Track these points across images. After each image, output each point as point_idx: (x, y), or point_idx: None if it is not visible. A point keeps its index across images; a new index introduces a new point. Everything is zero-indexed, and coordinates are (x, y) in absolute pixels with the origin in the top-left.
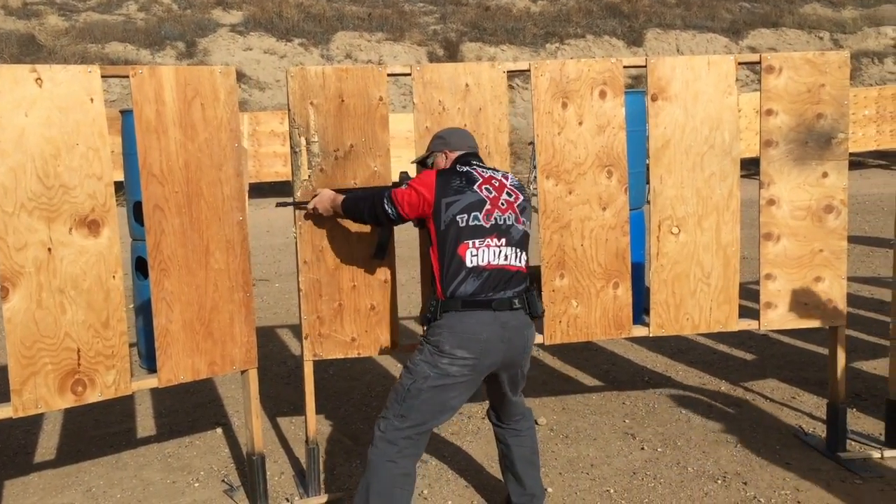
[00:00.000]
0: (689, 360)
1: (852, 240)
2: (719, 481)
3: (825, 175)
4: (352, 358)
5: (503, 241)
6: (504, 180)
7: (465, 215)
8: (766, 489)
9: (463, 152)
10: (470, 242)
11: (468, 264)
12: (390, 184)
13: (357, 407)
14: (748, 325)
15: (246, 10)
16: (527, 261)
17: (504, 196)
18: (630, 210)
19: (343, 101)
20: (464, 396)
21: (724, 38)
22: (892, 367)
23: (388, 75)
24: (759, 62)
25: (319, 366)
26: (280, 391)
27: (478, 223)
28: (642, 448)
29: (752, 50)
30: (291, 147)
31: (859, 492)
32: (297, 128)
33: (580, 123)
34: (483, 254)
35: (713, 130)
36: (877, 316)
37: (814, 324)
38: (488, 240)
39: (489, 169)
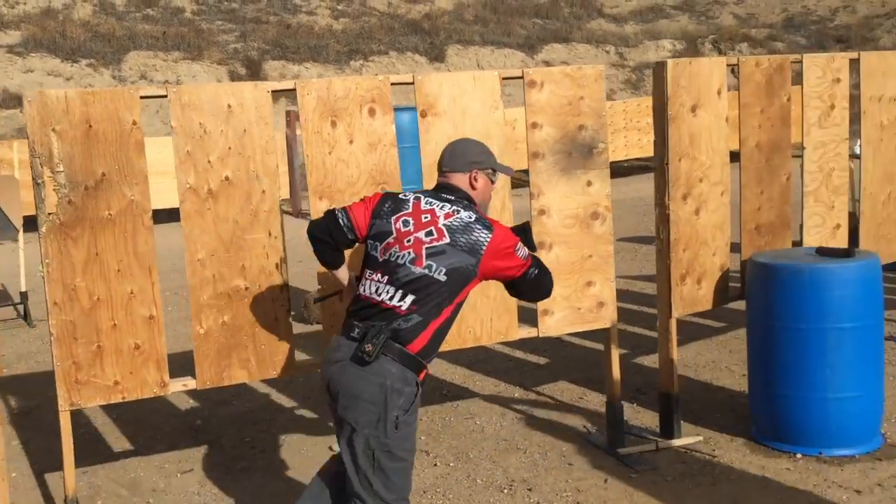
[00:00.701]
0: (487, 370)
1: (629, 240)
2: (506, 490)
3: (589, 183)
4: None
5: (386, 278)
6: (441, 218)
7: (372, 242)
8: (548, 493)
9: (443, 172)
10: (367, 271)
11: (358, 290)
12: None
13: (139, 451)
14: (528, 332)
15: (25, 29)
16: (414, 307)
17: (419, 234)
18: None
19: (91, 126)
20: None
21: (520, 52)
22: (661, 360)
23: (142, 97)
24: (522, 77)
25: (95, 412)
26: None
27: (375, 254)
28: (435, 464)
29: (547, 63)
30: (34, 178)
31: (634, 484)
32: (38, 157)
33: (351, 142)
34: (366, 285)
35: None
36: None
37: (589, 327)
38: (375, 274)
39: (441, 201)
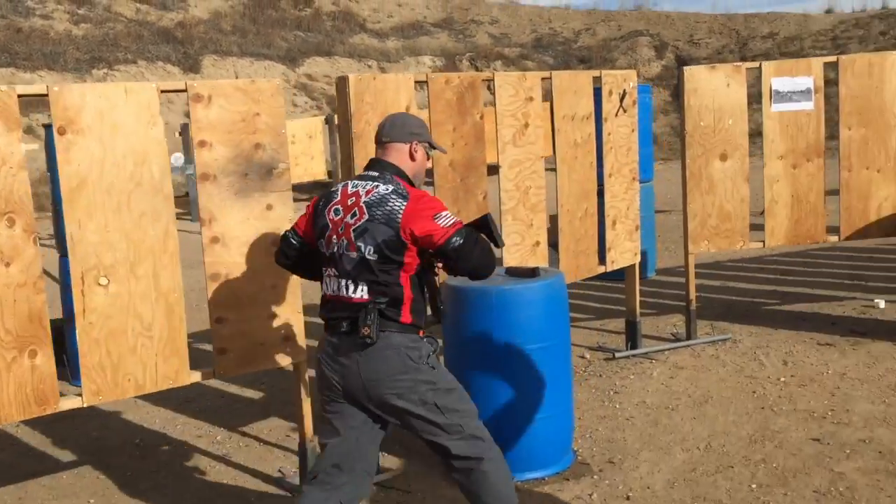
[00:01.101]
0: (195, 410)
1: None
2: None
3: (270, 207)
4: None
5: (335, 271)
6: (363, 196)
7: (319, 241)
8: None
9: (383, 143)
10: (323, 269)
11: (323, 290)
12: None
13: None
14: (201, 376)
15: None
16: (369, 294)
17: (347, 218)
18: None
19: None
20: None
21: (281, 65)
22: None
23: None
24: (186, 90)
25: None
26: None
27: (323, 251)
28: None
29: (309, 77)
30: None
31: None
32: None
33: None
34: (327, 283)
35: (139, 165)
36: None
37: (274, 365)
38: (329, 270)
39: (365, 181)
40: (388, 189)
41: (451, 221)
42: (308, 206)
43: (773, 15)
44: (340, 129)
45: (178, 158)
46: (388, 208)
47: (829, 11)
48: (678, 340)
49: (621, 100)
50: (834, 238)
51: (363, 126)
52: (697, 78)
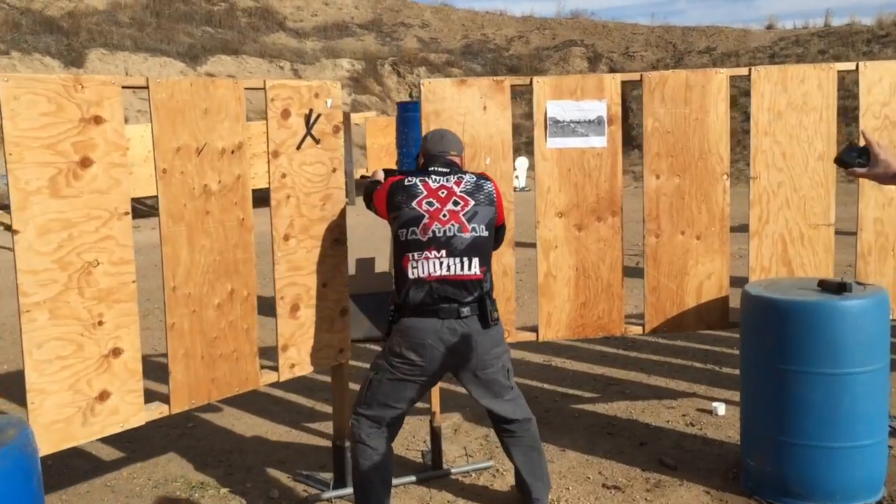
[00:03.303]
0: None
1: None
2: None
3: None
4: None
5: (443, 252)
6: (455, 187)
7: (405, 230)
8: None
9: (433, 155)
10: (410, 255)
11: (410, 276)
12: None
13: None
14: None
15: None
16: (484, 266)
17: (449, 206)
18: None
19: None
20: (419, 393)
21: (180, 62)
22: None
23: None
24: None
25: None
26: None
27: (415, 237)
28: None
29: (210, 75)
30: None
31: None
32: None
33: None
34: (423, 266)
35: None
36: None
37: None
38: (426, 252)
39: (445, 176)
40: (472, 177)
41: None
42: (376, 197)
43: (713, 29)
44: None
45: None
46: (485, 191)
47: (769, 27)
48: (425, 469)
49: (308, 124)
50: (636, 329)
51: None
52: (440, 95)
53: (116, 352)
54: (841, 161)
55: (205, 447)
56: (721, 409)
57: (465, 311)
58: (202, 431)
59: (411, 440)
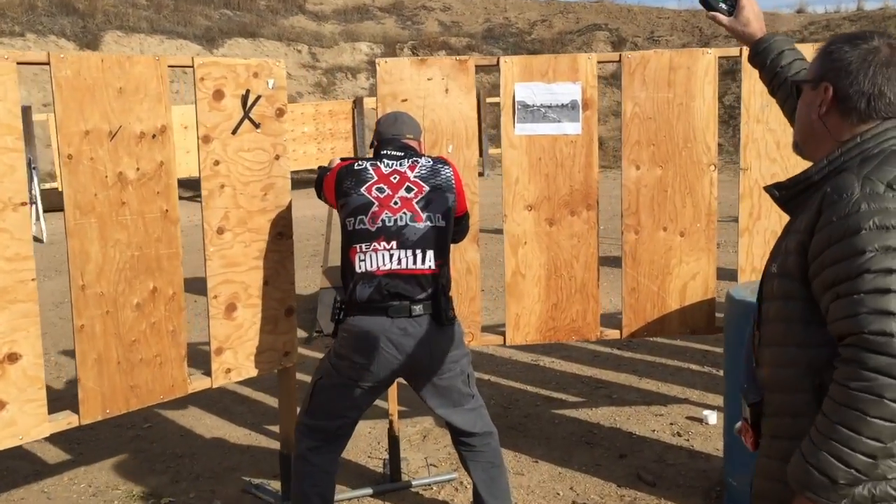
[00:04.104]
0: None
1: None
2: None
3: None
4: None
5: (393, 243)
6: (409, 172)
7: (352, 219)
8: None
9: (386, 139)
10: (357, 247)
11: (357, 269)
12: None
13: None
14: None
15: None
16: (440, 260)
17: (401, 193)
18: None
19: None
20: (367, 400)
21: (197, 45)
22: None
23: None
24: None
25: None
26: None
27: (363, 227)
28: None
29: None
30: None
31: None
32: None
33: None
34: (371, 258)
35: None
36: None
37: None
38: (375, 243)
39: (398, 160)
40: (429, 161)
41: None
42: (325, 183)
43: None
44: None
45: None
46: (442, 176)
47: (800, 11)
48: (384, 480)
49: (246, 107)
50: (613, 333)
51: None
52: (397, 76)
53: (12, 357)
54: (706, 3)
55: (156, 451)
56: (712, 417)
57: (418, 308)
58: (157, 433)
59: (375, 446)
